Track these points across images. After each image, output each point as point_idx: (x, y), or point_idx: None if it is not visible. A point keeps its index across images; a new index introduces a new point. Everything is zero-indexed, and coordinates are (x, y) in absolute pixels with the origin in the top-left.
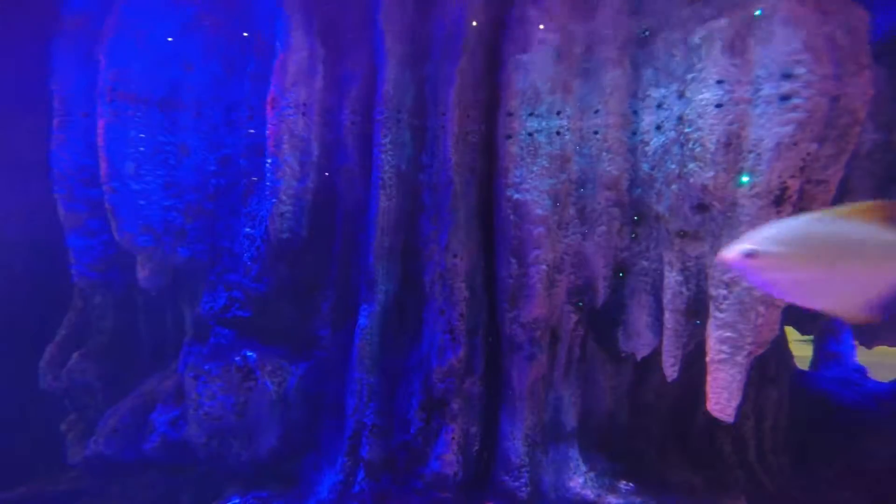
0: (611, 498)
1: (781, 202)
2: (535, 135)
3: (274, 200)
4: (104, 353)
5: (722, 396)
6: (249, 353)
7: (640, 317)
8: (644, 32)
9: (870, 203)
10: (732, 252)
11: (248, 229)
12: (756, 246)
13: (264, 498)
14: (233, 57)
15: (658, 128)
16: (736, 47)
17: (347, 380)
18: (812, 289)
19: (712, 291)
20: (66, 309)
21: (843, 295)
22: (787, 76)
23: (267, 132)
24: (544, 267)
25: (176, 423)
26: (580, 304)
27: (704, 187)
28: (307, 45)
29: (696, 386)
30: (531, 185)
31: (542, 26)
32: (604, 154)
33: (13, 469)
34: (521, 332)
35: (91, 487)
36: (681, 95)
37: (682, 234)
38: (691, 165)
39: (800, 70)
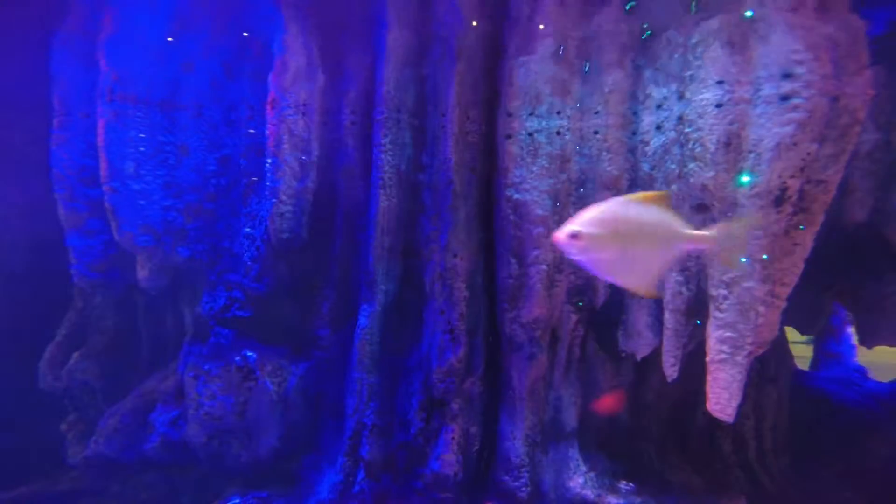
0: (611, 498)
1: (781, 202)
2: (535, 135)
3: (274, 200)
4: (104, 353)
5: (722, 396)
6: (249, 353)
7: (640, 317)
8: (644, 33)
9: (659, 192)
10: (561, 233)
11: (248, 229)
12: (579, 227)
13: (264, 498)
14: (233, 57)
15: (658, 128)
16: (736, 47)
17: (347, 380)
18: (618, 265)
19: (712, 291)
20: (66, 309)
21: (639, 271)
22: (787, 76)
23: (267, 132)
24: (544, 267)
25: (176, 423)
26: (580, 304)
27: (704, 187)
28: (307, 45)
29: (696, 386)
30: (531, 185)
31: (542, 26)
32: (604, 154)
33: (13, 469)
34: (521, 331)
35: (91, 487)
36: (681, 96)
37: None
38: (691, 165)
39: (800, 70)
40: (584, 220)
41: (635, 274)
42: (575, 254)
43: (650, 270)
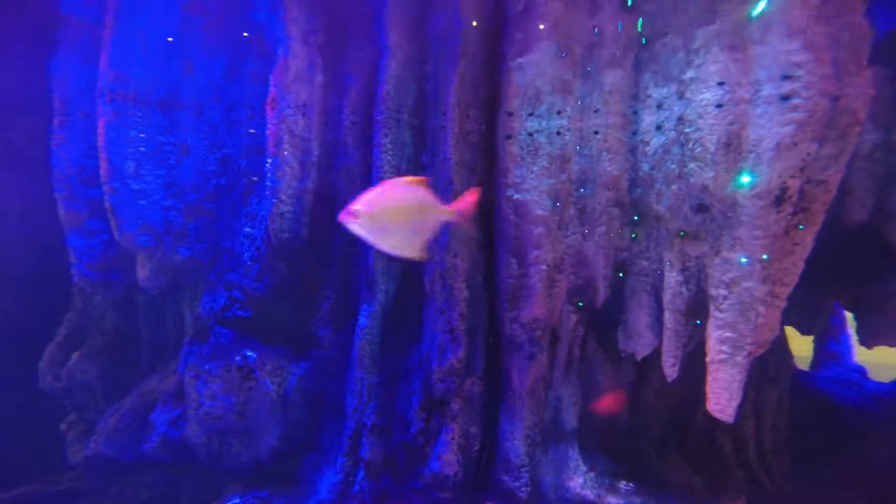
0: (611, 498)
1: (782, 202)
2: (536, 135)
3: (274, 200)
4: (104, 353)
5: (722, 396)
6: (249, 353)
7: (640, 317)
8: (645, 32)
9: (420, 177)
10: (344, 213)
11: (248, 229)
12: (358, 207)
13: (264, 498)
14: (233, 57)
15: (658, 128)
16: (736, 48)
17: (347, 380)
18: (391, 237)
19: (712, 291)
20: (66, 309)
21: (408, 240)
22: (787, 76)
23: (267, 132)
24: (544, 267)
25: (176, 422)
26: (580, 304)
27: (705, 187)
28: (307, 45)
29: (696, 386)
30: (531, 185)
31: (542, 26)
32: (604, 154)
33: (13, 469)
34: (521, 331)
35: (91, 487)
36: (681, 96)
37: (683, 235)
38: (691, 165)
39: (800, 70)
40: (361, 201)
41: (406, 243)
42: (356, 230)
43: (417, 239)
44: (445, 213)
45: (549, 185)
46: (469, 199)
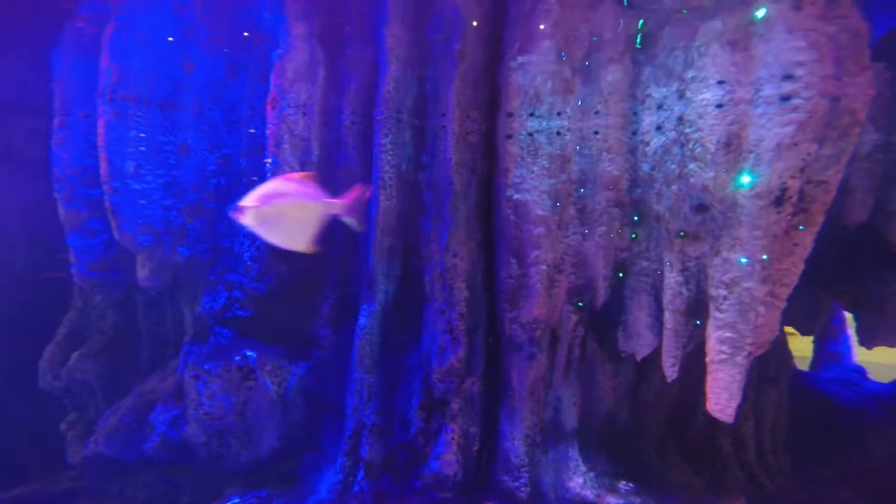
0: (610, 498)
1: (782, 202)
2: (536, 135)
3: None
4: (104, 353)
5: (722, 397)
6: (249, 353)
7: (640, 317)
8: (644, 32)
9: (308, 173)
10: (234, 208)
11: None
12: (246, 202)
13: (264, 498)
14: (233, 57)
15: (658, 128)
16: (737, 48)
17: (347, 380)
18: (280, 231)
19: (712, 292)
20: (66, 309)
21: (297, 233)
22: (787, 77)
23: (267, 132)
24: (544, 267)
25: (176, 422)
26: (580, 304)
27: (705, 187)
28: (307, 45)
29: (696, 386)
30: (531, 185)
31: (542, 26)
32: (604, 154)
33: (12, 469)
34: (521, 332)
35: (90, 487)
36: (681, 96)
37: (683, 235)
38: (692, 166)
39: (800, 71)
40: (250, 197)
41: (294, 237)
42: (246, 224)
43: (305, 233)
44: (333, 206)
45: (549, 185)
46: (356, 193)
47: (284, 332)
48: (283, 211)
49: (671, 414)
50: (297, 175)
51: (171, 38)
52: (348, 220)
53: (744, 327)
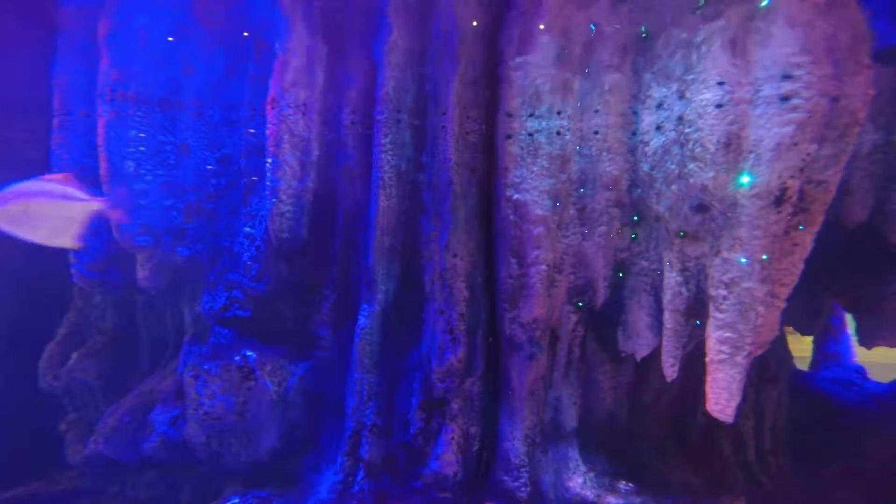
0: (610, 498)
1: (781, 202)
2: (536, 135)
3: (274, 200)
4: (104, 353)
5: (722, 397)
6: (249, 353)
7: (639, 317)
8: (644, 32)
9: (63, 174)
10: None
11: (248, 229)
12: None
13: (264, 498)
14: (233, 57)
15: (658, 128)
16: (736, 48)
17: (347, 380)
18: (38, 229)
19: (712, 292)
20: (66, 309)
21: (58, 231)
22: (787, 77)
23: (267, 132)
24: (544, 267)
25: (175, 422)
26: (580, 304)
27: (704, 187)
28: (307, 45)
29: (696, 386)
30: (531, 185)
31: (542, 26)
32: (604, 154)
33: (12, 469)
34: (521, 331)
35: (90, 487)
36: (681, 96)
37: (682, 235)
38: (691, 166)
39: (800, 71)
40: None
41: (54, 234)
42: (2, 226)
43: (66, 230)
44: (92, 204)
45: (549, 185)
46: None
47: (284, 332)
48: (33, 209)
49: (671, 414)
50: (52, 176)
51: (170, 38)
52: (111, 216)
53: (743, 327)
